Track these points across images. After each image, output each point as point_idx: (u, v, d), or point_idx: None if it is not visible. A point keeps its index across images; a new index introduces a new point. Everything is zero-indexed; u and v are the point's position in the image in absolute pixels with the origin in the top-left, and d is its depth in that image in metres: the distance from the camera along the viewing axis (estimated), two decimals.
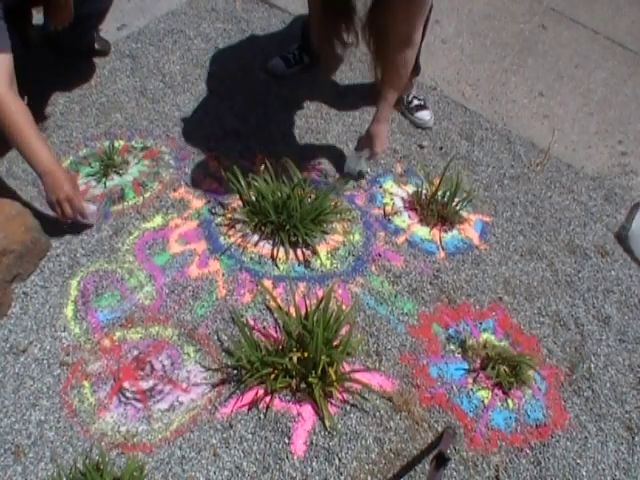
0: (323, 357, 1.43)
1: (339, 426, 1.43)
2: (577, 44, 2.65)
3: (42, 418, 1.39)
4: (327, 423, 1.42)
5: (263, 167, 1.86)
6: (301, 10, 2.56)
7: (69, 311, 1.58)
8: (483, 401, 1.51)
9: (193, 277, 1.67)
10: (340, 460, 1.38)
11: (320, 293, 1.66)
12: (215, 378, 1.48)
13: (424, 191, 1.94)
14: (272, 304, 1.61)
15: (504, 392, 1.53)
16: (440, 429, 1.45)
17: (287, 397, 1.46)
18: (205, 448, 1.37)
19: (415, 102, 2.20)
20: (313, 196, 1.81)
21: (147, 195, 1.86)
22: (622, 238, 1.95)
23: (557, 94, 2.41)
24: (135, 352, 1.51)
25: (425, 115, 2.19)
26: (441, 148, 2.14)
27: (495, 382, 1.53)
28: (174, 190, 1.88)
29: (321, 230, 1.79)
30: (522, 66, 2.51)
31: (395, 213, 1.91)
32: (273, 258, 1.74)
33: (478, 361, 1.58)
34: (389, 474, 1.38)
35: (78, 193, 1.66)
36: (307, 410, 1.45)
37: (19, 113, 1.53)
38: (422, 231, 1.88)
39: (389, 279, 1.73)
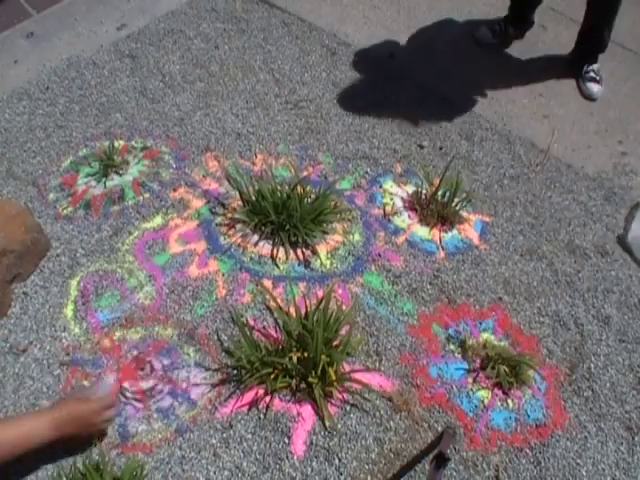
0: (323, 357, 1.43)
1: (339, 426, 1.43)
2: None
3: None
4: (327, 423, 1.42)
5: (263, 167, 1.86)
6: (300, 10, 2.57)
7: (69, 311, 1.58)
8: (483, 401, 1.51)
9: (193, 277, 1.67)
10: (340, 460, 1.38)
11: (320, 293, 1.66)
12: (215, 378, 1.48)
13: (424, 191, 1.94)
14: (272, 304, 1.61)
15: (504, 392, 1.53)
16: (440, 429, 1.45)
17: (287, 397, 1.46)
18: (205, 448, 1.37)
19: (591, 74, 2.39)
20: (313, 196, 1.81)
21: (147, 195, 1.86)
22: (622, 238, 1.94)
23: (557, 94, 2.41)
24: (135, 352, 1.51)
25: (593, 87, 2.38)
26: (441, 148, 2.14)
27: (495, 382, 1.53)
28: (174, 190, 1.88)
29: (321, 230, 1.79)
30: (522, 66, 2.51)
31: (395, 213, 1.91)
32: (273, 258, 1.74)
33: (478, 361, 1.58)
34: (389, 474, 1.38)
35: (94, 403, 1.29)
36: (307, 410, 1.45)
37: None
38: (422, 231, 1.87)
39: (389, 279, 1.73)
